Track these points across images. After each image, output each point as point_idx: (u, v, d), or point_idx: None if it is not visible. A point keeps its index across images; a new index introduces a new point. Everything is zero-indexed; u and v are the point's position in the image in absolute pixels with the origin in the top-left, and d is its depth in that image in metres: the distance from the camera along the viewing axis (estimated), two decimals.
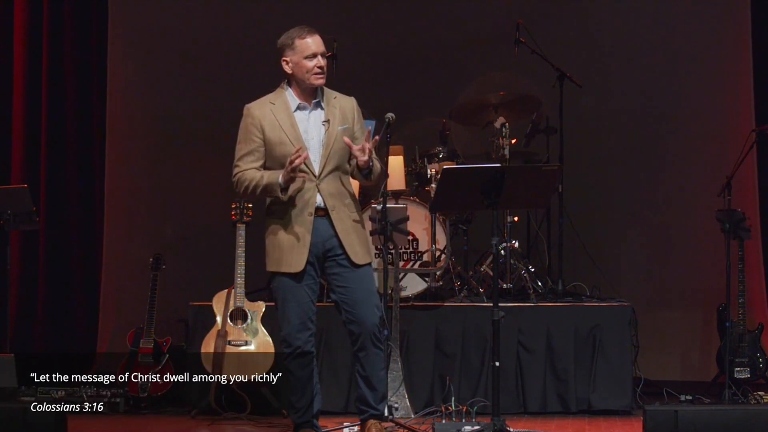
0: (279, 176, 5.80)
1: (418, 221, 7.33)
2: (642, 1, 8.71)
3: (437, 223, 7.33)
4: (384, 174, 6.20)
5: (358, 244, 5.94)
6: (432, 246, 7.31)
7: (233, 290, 7.11)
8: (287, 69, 5.95)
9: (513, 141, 7.76)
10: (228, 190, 7.70)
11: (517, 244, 7.75)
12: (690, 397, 7.23)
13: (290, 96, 5.98)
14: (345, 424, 6.48)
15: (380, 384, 6.04)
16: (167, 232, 8.72)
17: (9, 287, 7.88)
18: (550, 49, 7.96)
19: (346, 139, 5.87)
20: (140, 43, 8.83)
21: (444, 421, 6.29)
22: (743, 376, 7.48)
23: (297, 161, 5.73)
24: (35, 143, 8.58)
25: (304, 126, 5.94)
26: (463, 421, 6.26)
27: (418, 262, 7.35)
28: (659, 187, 8.65)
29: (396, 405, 6.75)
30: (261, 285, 7.70)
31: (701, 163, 8.48)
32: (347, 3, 8.61)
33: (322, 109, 5.96)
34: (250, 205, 7.24)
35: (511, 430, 6.10)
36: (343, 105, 6.01)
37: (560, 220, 7.84)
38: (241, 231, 7.19)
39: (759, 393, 7.29)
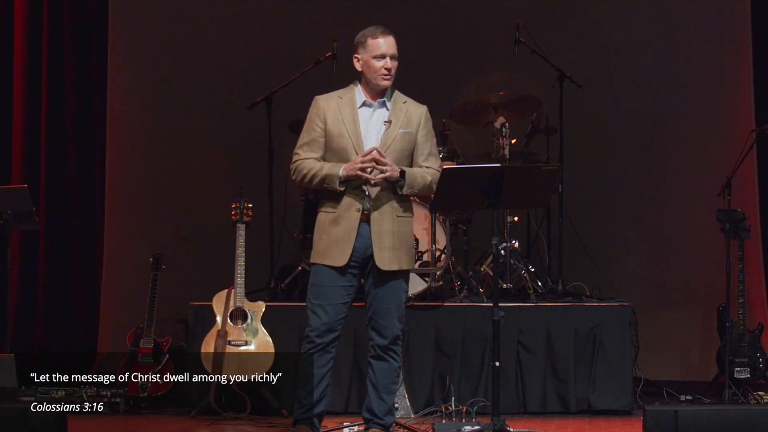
0: (340, 169, 5.85)
1: (418, 221, 7.30)
2: (642, 2, 8.71)
3: (437, 223, 7.32)
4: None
5: (388, 248, 5.91)
6: (432, 246, 7.30)
7: (233, 290, 7.10)
8: (357, 66, 6.01)
9: (513, 141, 7.76)
10: (228, 190, 7.79)
11: (517, 244, 7.75)
12: (690, 397, 7.23)
13: (358, 92, 6.02)
14: (345, 424, 6.48)
15: (389, 396, 6.05)
16: (167, 232, 8.71)
17: (9, 287, 7.86)
18: (550, 49, 7.95)
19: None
20: (140, 43, 8.82)
21: (444, 421, 6.29)
22: (743, 376, 7.47)
23: (375, 159, 5.79)
24: (35, 143, 8.57)
25: (365, 123, 5.97)
26: (463, 421, 6.26)
27: (418, 262, 7.34)
28: (659, 187, 8.65)
29: (396, 405, 6.74)
30: (261, 285, 7.72)
31: (701, 163, 8.47)
32: (347, 3, 8.60)
33: (387, 109, 6.00)
34: (250, 205, 7.23)
35: (511, 430, 6.09)
36: (411, 110, 6.03)
37: (560, 220, 7.83)
38: (241, 231, 7.17)
39: (759, 393, 7.30)
